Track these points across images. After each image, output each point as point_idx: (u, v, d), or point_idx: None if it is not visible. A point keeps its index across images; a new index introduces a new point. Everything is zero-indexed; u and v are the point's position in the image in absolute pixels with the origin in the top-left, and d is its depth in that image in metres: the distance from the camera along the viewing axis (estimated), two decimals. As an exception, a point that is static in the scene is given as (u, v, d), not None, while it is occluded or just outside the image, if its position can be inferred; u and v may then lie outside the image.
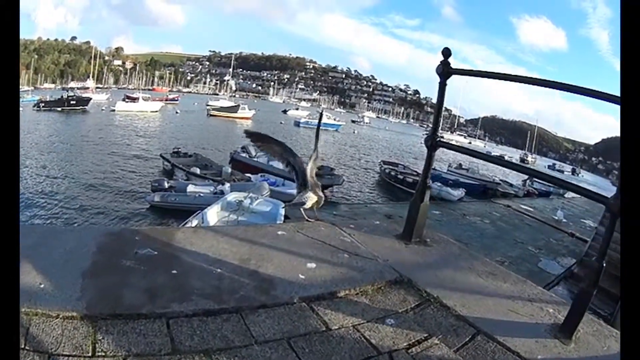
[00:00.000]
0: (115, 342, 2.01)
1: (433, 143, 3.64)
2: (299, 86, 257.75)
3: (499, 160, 4.97)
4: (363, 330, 2.39)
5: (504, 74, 3.44)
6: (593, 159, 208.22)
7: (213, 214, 11.04)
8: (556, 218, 17.48)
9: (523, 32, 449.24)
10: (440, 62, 3.53)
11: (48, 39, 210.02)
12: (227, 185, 15.25)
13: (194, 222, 10.05)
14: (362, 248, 3.50)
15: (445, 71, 3.52)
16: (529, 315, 2.76)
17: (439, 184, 22.32)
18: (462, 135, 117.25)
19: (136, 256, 2.87)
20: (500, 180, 31.11)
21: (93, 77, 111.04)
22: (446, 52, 3.50)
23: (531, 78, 3.40)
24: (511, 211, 17.95)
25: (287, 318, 2.40)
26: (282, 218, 9.98)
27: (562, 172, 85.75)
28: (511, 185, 31.02)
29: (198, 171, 19.15)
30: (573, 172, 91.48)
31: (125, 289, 2.45)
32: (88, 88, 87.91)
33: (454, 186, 22.94)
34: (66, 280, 2.42)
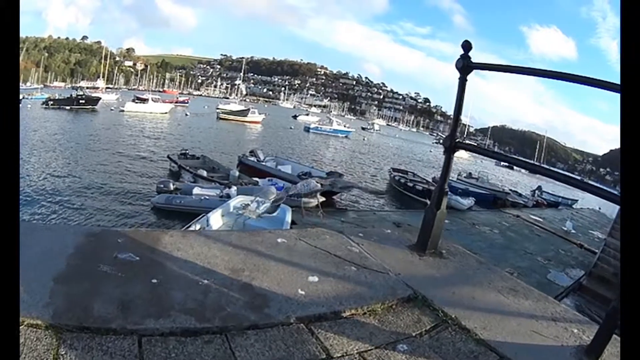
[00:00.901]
0: (79, 359, 1.76)
1: (452, 144, 3.31)
2: (310, 92, 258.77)
3: (520, 162, 4.69)
4: (371, 358, 2.06)
5: (524, 68, 3.38)
6: (601, 169, 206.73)
7: (217, 218, 10.79)
8: (565, 229, 17.42)
9: (533, 41, 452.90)
10: (460, 55, 3.29)
11: (59, 38, 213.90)
12: (234, 188, 14.97)
13: (197, 226, 9.73)
14: (371, 260, 3.16)
15: (465, 65, 3.29)
16: (553, 336, 2.54)
17: (449, 192, 21.50)
18: (471, 144, 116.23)
19: (115, 261, 2.59)
20: (510, 190, 30.87)
21: (103, 77, 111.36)
22: (466, 45, 3.28)
23: (548, 71, 3.14)
24: (520, 221, 17.82)
25: (280, 342, 2.06)
26: (289, 222, 9.91)
27: None
28: (520, 195, 30.78)
29: (205, 174, 18.86)
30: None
31: (97, 297, 2.18)
32: (98, 88, 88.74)
33: (463, 195, 22.56)
34: (36, 283, 2.20)
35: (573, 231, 17.30)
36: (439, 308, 2.63)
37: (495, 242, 13.61)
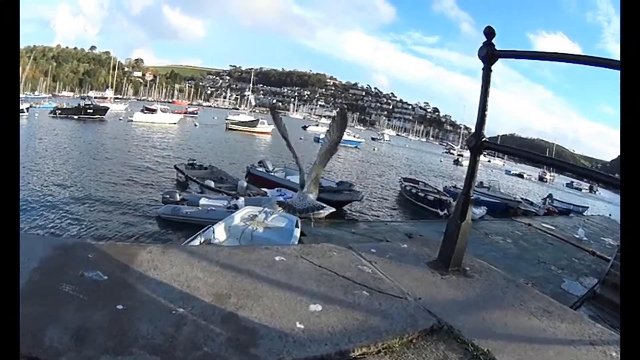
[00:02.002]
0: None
1: (478, 144, 2.85)
2: (319, 103, 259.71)
3: (548, 159, 4.20)
4: (388, 414, 1.58)
5: (548, 53, 3.18)
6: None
7: (223, 229, 10.32)
8: (577, 236, 17.20)
9: (540, 48, 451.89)
10: (483, 43, 2.97)
11: (67, 47, 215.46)
12: (242, 199, 14.62)
13: (202, 238, 9.34)
14: (386, 281, 2.69)
15: (489, 53, 2.95)
16: (594, 364, 2.35)
17: None
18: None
19: (80, 280, 2.20)
20: (521, 198, 30.66)
21: (112, 87, 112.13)
22: (489, 31, 2.94)
23: (569, 54, 3.02)
24: (533, 230, 17.53)
25: (269, 396, 1.58)
26: (298, 234, 9.52)
27: (580, 189, 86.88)
28: (532, 203, 30.37)
29: (212, 184, 18.46)
30: (590, 189, 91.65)
31: (52, 324, 1.85)
32: (107, 98, 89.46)
33: (475, 204, 21.81)
34: (-11, 302, 1.85)
35: (585, 238, 17.06)
36: (468, 340, 2.20)
37: (509, 251, 13.29)
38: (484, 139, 2.93)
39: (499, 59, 2.95)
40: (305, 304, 2.24)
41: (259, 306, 2.15)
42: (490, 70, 2.89)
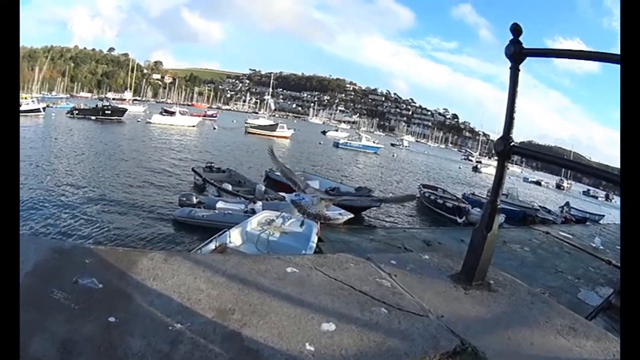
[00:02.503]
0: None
1: (506, 148, 2.64)
2: (339, 108, 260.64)
3: (577, 165, 3.99)
4: None
5: (575, 51, 3.01)
6: None
7: (239, 234, 10.32)
8: (594, 245, 16.81)
9: None
10: (510, 41, 2.80)
11: (85, 48, 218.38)
12: (259, 203, 14.49)
13: (217, 242, 9.24)
14: (406, 297, 2.50)
15: (517, 52, 2.77)
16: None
17: (479, 209, 21.21)
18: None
19: (74, 287, 2.06)
20: (539, 206, 30.37)
21: (130, 89, 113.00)
22: (516, 28, 2.77)
23: (594, 52, 2.90)
24: (551, 238, 17.29)
25: None
26: (315, 240, 9.48)
27: (597, 197, 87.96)
28: (549, 211, 30.18)
29: (230, 187, 18.40)
30: (607, 197, 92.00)
31: (39, 334, 1.73)
32: (125, 99, 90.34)
33: None
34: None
35: (601, 247, 16.54)
36: (495, 364, 1.99)
37: (526, 260, 13.02)
38: (512, 143, 2.72)
39: (527, 58, 2.76)
40: (317, 323, 2.04)
41: (265, 324, 1.96)
42: (518, 70, 2.71)
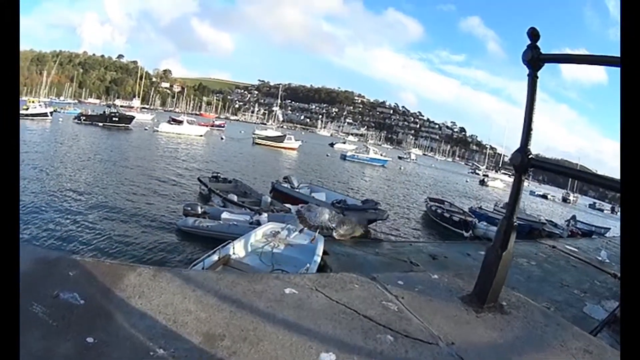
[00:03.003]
0: None
1: (524, 161, 2.48)
2: (347, 120, 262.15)
3: (598, 178, 3.83)
4: None
5: (597, 56, 2.75)
6: None
7: (244, 245, 10.11)
8: (600, 258, 16.81)
9: (565, 67, 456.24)
10: (528, 46, 2.67)
11: (94, 54, 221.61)
12: (265, 215, 14.29)
13: (221, 254, 9.05)
14: (414, 322, 2.34)
15: (535, 57, 2.65)
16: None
17: (486, 223, 21.57)
18: (507, 174, 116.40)
19: (54, 301, 1.95)
20: (546, 220, 29.73)
21: (139, 96, 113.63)
22: (534, 32, 2.64)
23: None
24: (557, 252, 17.25)
25: None
26: (320, 253, 9.34)
27: (602, 210, 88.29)
28: (556, 225, 29.73)
29: (235, 198, 18.18)
30: (612, 210, 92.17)
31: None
32: (133, 107, 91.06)
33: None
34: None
35: (607, 260, 16.51)
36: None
37: (533, 274, 12.92)
38: (530, 156, 2.56)
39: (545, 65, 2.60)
40: (315, 352, 1.87)
41: (256, 353, 1.79)
42: (537, 77, 2.56)
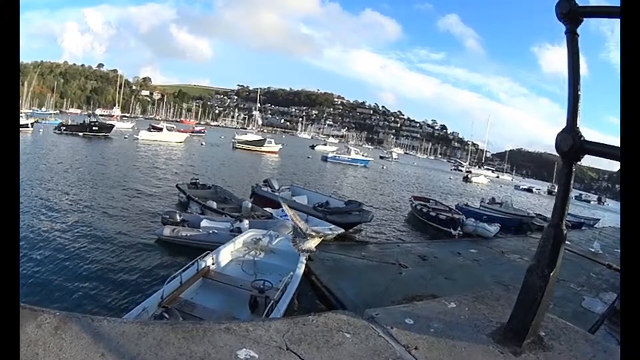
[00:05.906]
0: None
1: (575, 144, 1.87)
2: (327, 122, 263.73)
3: None
4: None
5: None
6: (617, 186, 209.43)
7: (225, 254, 9.90)
8: (593, 250, 17.65)
9: (545, 61, 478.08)
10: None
11: (74, 64, 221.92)
12: (246, 221, 13.68)
13: (204, 262, 8.65)
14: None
15: (572, 11, 2.03)
16: None
17: (473, 219, 21.17)
18: (490, 169, 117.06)
19: None
20: (535, 213, 29.87)
21: (119, 105, 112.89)
22: None
23: None
24: None
25: None
26: (304, 260, 9.19)
27: (589, 202, 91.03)
28: (545, 218, 29.30)
29: (214, 205, 17.60)
30: (599, 201, 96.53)
31: None
32: (113, 116, 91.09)
33: (488, 221, 21.44)
34: None
35: (600, 251, 17.45)
36: None
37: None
38: (583, 138, 1.94)
39: (584, 19, 1.99)
40: None
41: None
42: (577, 35, 1.93)
